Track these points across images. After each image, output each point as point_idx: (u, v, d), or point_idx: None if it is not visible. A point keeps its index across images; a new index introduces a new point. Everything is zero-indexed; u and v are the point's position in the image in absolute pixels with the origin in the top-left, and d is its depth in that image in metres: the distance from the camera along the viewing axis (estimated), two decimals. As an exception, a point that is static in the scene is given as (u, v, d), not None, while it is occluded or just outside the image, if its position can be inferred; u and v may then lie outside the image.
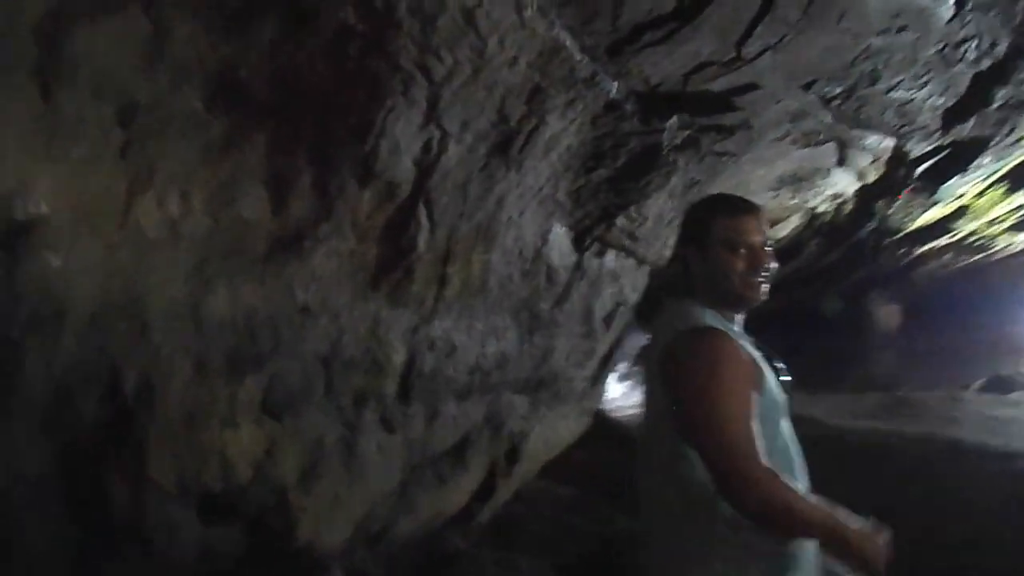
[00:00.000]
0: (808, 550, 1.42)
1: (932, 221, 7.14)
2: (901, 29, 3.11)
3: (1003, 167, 5.88)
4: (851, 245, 7.29)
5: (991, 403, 6.93)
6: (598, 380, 5.55)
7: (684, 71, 3.10)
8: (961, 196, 6.46)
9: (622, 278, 4.70)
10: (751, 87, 3.33)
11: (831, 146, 4.58)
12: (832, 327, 10.18)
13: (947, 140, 4.71)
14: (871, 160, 5.03)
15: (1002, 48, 3.55)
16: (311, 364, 2.81)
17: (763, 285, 1.56)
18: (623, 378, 9.26)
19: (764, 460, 1.34)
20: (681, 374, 1.46)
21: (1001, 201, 6.86)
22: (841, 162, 4.91)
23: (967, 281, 9.39)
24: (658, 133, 3.52)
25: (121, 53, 1.80)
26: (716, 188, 4.33)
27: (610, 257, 4.40)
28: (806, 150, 4.47)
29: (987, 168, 5.55)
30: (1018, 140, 4.97)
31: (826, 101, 3.73)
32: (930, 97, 3.93)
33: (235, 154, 2.16)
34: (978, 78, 3.81)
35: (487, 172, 3.02)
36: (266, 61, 2.02)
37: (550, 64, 2.74)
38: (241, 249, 2.35)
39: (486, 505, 4.42)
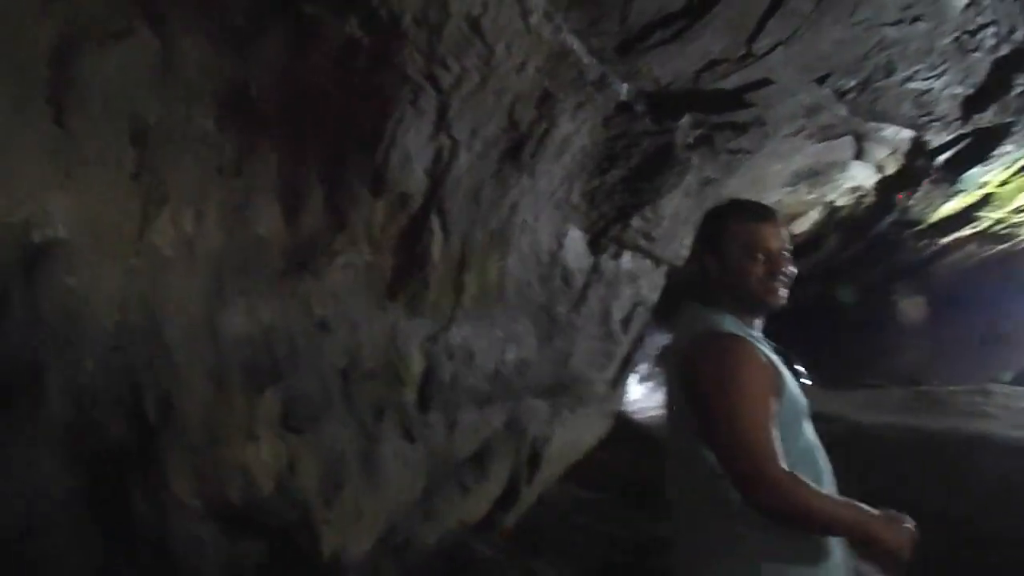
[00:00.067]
0: (832, 550, 1.42)
1: (955, 211, 7.01)
2: (916, 19, 3.05)
3: (1026, 154, 5.76)
4: (872, 238, 7.19)
5: (1021, 396, 6.77)
6: (619, 382, 5.53)
7: (695, 69, 3.07)
8: (984, 185, 6.33)
9: (640, 279, 4.67)
10: (764, 83, 3.29)
11: (847, 139, 4.52)
12: (857, 320, 10.04)
13: (967, 129, 4.62)
14: (889, 152, 4.96)
15: (1021, 34, 3.48)
16: (330, 377, 2.82)
17: (782, 290, 1.56)
18: (644, 379, 9.20)
19: (782, 462, 1.34)
20: (701, 379, 1.47)
21: (1026, 188, 6.73)
22: (858, 155, 4.85)
23: (994, 271, 9.20)
24: (670, 132, 3.50)
25: (131, 75, 1.82)
26: (732, 185, 4.30)
27: (627, 258, 4.38)
28: (822, 144, 4.41)
29: (1010, 156, 5.44)
30: (1041, 126, 4.87)
31: (841, 94, 3.68)
32: (948, 86, 3.86)
33: (247, 171, 2.18)
34: (997, 65, 3.73)
35: (499, 178, 3.02)
36: (274, 77, 2.04)
37: (558, 68, 2.73)
38: (257, 265, 2.36)
39: (509, 512, 4.40)
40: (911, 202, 6.08)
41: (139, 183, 1.97)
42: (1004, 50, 3.59)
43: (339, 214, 2.50)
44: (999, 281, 9.34)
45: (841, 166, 5.05)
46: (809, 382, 1.62)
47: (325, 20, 1.97)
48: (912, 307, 10.45)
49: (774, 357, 1.52)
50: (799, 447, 1.47)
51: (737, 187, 4.35)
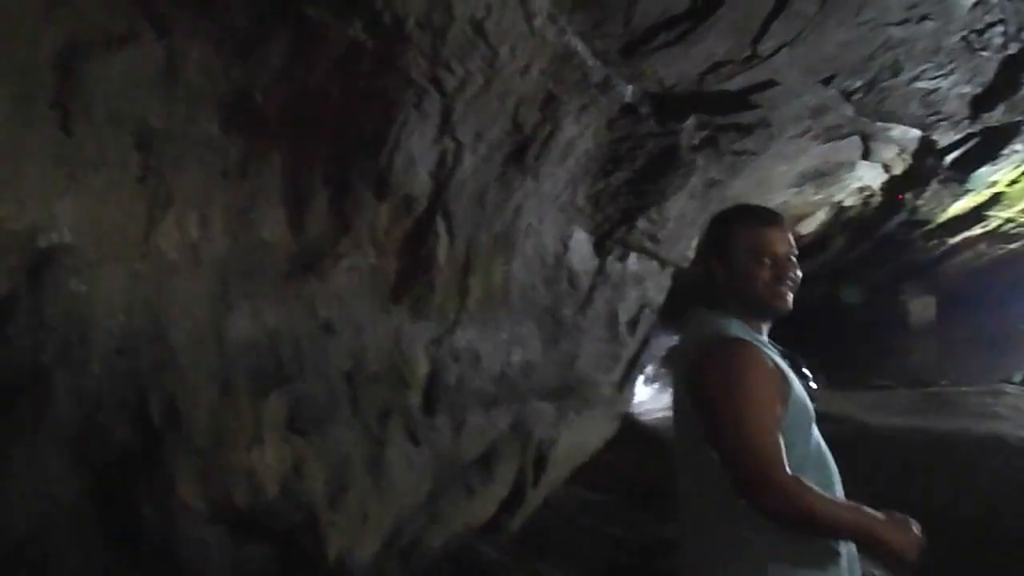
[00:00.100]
0: (839, 553, 1.42)
1: (964, 211, 6.96)
2: (922, 18, 3.04)
3: (1036, 153, 5.70)
4: (880, 238, 7.15)
5: (1031, 397, 6.72)
6: (625, 384, 5.51)
7: (699, 71, 3.07)
8: (993, 184, 6.29)
9: (645, 280, 4.66)
10: (769, 84, 3.28)
11: (854, 140, 4.50)
12: (865, 321, 9.99)
13: (976, 128, 4.59)
14: (897, 152, 4.93)
15: (1029, 32, 3.45)
16: (335, 380, 2.82)
17: (788, 295, 1.57)
18: (650, 381, 9.18)
19: (787, 467, 1.35)
20: (707, 383, 1.48)
21: (1036, 187, 6.67)
22: (866, 155, 4.82)
23: (1003, 271, 9.13)
24: (675, 134, 3.49)
25: (136, 80, 1.83)
26: (737, 186, 4.28)
27: (632, 260, 4.37)
28: (828, 145, 4.39)
29: (1019, 155, 5.40)
30: (1051, 125, 4.83)
31: (847, 95, 3.67)
32: (956, 85, 3.84)
33: (252, 176, 2.18)
34: (1005, 64, 3.71)
35: (504, 181, 3.01)
36: (278, 81, 2.04)
37: (563, 70, 2.73)
38: (262, 269, 2.37)
39: (516, 514, 4.40)
40: (920, 202, 6.05)
41: (144, 187, 1.98)
42: (1012, 49, 3.56)
43: (343, 217, 2.50)
44: (1009, 281, 9.26)
45: (848, 166, 5.03)
46: (816, 386, 1.62)
47: (328, 24, 1.97)
48: (923, 306, 10.37)
49: (781, 361, 1.53)
50: (810, 450, 1.47)
51: (743, 188, 4.34)
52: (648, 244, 4.24)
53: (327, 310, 2.65)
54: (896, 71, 3.48)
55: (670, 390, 1.73)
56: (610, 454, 5.60)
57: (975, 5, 3.10)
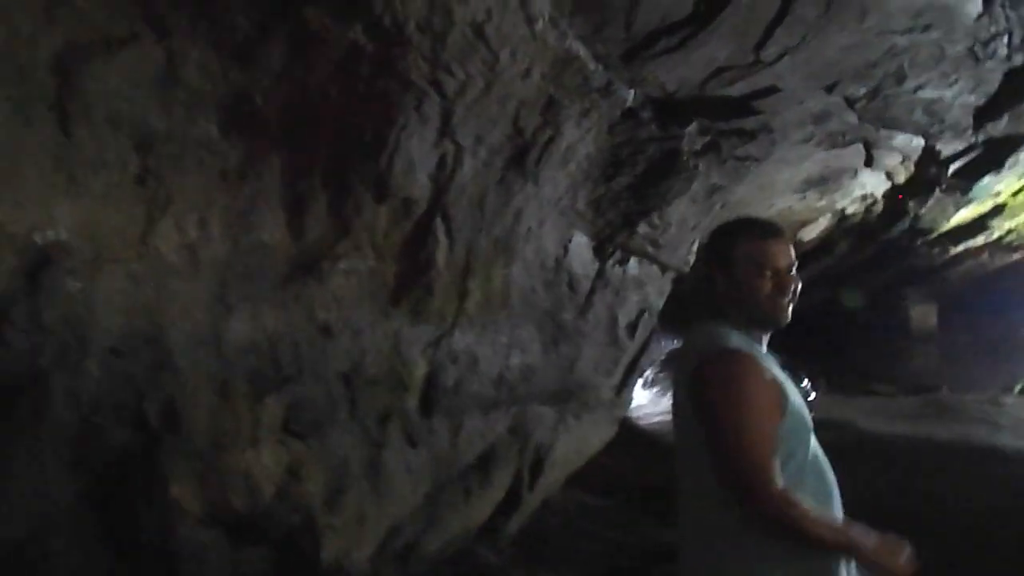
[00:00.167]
0: (838, 562, 1.45)
1: (967, 220, 6.95)
2: (926, 27, 3.03)
3: (1040, 164, 5.68)
4: (883, 245, 7.14)
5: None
6: (624, 388, 5.50)
7: (701, 76, 3.06)
8: (997, 195, 6.27)
9: (646, 285, 4.65)
10: (771, 90, 3.27)
11: (858, 147, 4.49)
12: (867, 326, 9.99)
13: (980, 138, 4.58)
14: (900, 160, 4.92)
15: (1035, 43, 3.44)
16: (333, 383, 2.82)
17: (788, 307, 1.61)
18: (650, 385, 9.17)
19: (779, 481, 1.39)
20: (707, 393, 1.52)
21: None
22: (869, 163, 4.81)
23: (1006, 280, 9.12)
24: (677, 139, 3.48)
25: (136, 84, 1.83)
26: (739, 192, 4.28)
27: (633, 264, 4.36)
28: (832, 151, 4.38)
29: (1023, 166, 5.39)
30: (1055, 136, 4.81)
31: (850, 102, 3.66)
32: (960, 95, 3.83)
33: (252, 179, 2.18)
34: (1010, 75, 3.69)
35: (504, 185, 3.01)
36: (278, 84, 2.04)
37: (564, 74, 2.72)
38: (261, 272, 2.37)
39: (513, 517, 4.39)
40: (922, 211, 6.03)
41: (143, 189, 1.97)
42: (1017, 60, 3.55)
43: (343, 220, 2.50)
44: (1011, 290, 9.25)
45: (851, 173, 5.02)
46: (815, 395, 1.66)
47: (328, 27, 1.97)
48: (926, 313, 10.37)
49: (779, 373, 1.56)
50: (808, 460, 1.51)
51: (745, 194, 4.34)
52: (649, 249, 4.23)
53: (326, 313, 2.65)
54: (900, 79, 3.47)
55: (670, 394, 1.78)
56: (609, 458, 5.60)
57: (980, 15, 3.08)
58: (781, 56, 2.95)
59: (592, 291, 4.13)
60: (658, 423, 7.30)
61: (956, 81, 3.64)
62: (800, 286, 1.61)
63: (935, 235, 7.15)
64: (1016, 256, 8.30)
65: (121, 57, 1.76)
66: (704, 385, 1.52)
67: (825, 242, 6.81)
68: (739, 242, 1.62)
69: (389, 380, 3.06)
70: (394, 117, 2.35)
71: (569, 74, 2.73)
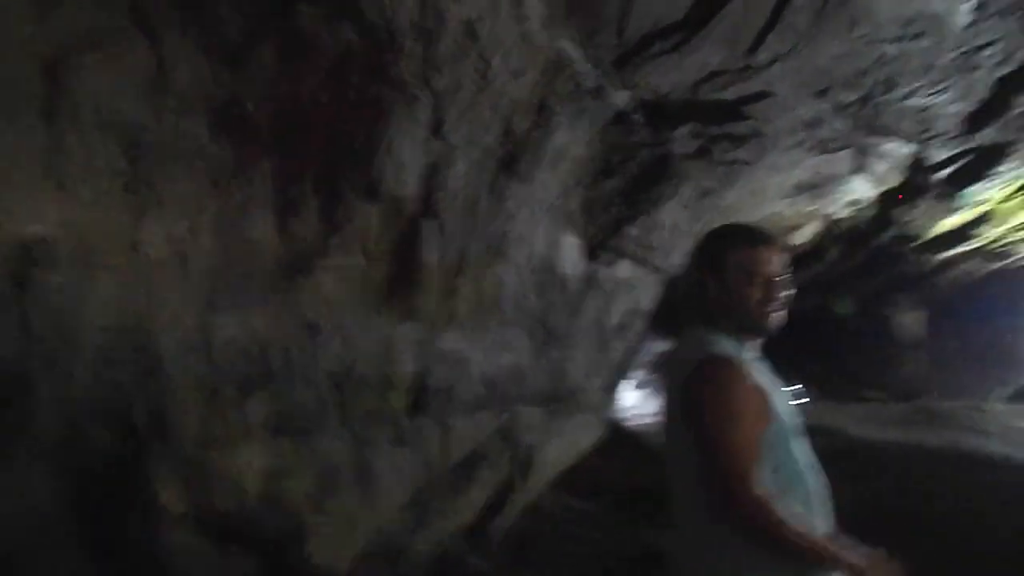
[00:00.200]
0: (827, 572, 1.45)
1: (955, 227, 6.99)
2: (916, 36, 3.05)
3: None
4: (872, 251, 7.18)
5: (1019, 414, 6.75)
6: (613, 389, 5.52)
7: (693, 81, 3.08)
8: (984, 202, 6.32)
9: (636, 287, 4.67)
10: (762, 96, 3.30)
11: (848, 153, 4.52)
12: (857, 332, 10.03)
13: (969, 146, 4.62)
14: (889, 166, 4.95)
15: (1023, 53, 3.47)
16: (323, 384, 2.81)
17: (779, 314, 1.60)
18: (639, 387, 9.18)
19: (759, 488, 1.40)
20: (694, 399, 1.52)
21: (1027, 206, 6.69)
22: (859, 169, 4.84)
23: (993, 287, 9.18)
24: (668, 143, 3.50)
25: (126, 88, 1.81)
26: (730, 196, 4.29)
27: (624, 267, 4.38)
28: (822, 157, 4.41)
29: (1011, 174, 5.43)
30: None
31: (841, 108, 3.68)
32: (949, 103, 3.86)
33: (242, 182, 2.17)
34: (999, 83, 3.73)
35: (495, 187, 3.01)
36: (268, 88, 2.03)
37: (556, 77, 2.73)
38: (250, 275, 2.36)
39: (499, 517, 4.38)
40: (911, 217, 6.07)
41: (132, 194, 1.96)
42: (1006, 69, 3.58)
43: (333, 222, 2.49)
44: (998, 296, 9.32)
45: (841, 179, 5.05)
46: (803, 400, 1.66)
47: (320, 30, 1.97)
48: (914, 320, 10.43)
49: (765, 379, 1.56)
50: (795, 466, 1.51)
51: (736, 198, 4.35)
52: (639, 252, 4.25)
53: (315, 314, 2.64)
54: (890, 86, 3.50)
55: (660, 397, 1.78)
56: (598, 460, 5.59)
57: (969, 25, 3.11)
58: (772, 62, 2.97)
59: (582, 293, 4.15)
60: (648, 425, 7.31)
61: (945, 89, 3.67)
62: (792, 292, 1.60)
63: (924, 241, 7.20)
64: (1003, 263, 8.36)
65: (112, 61, 1.75)
66: (691, 391, 1.52)
67: (816, 248, 6.84)
68: (731, 248, 1.62)
69: (378, 381, 3.06)
70: (385, 120, 2.35)
71: (561, 77, 2.74)
